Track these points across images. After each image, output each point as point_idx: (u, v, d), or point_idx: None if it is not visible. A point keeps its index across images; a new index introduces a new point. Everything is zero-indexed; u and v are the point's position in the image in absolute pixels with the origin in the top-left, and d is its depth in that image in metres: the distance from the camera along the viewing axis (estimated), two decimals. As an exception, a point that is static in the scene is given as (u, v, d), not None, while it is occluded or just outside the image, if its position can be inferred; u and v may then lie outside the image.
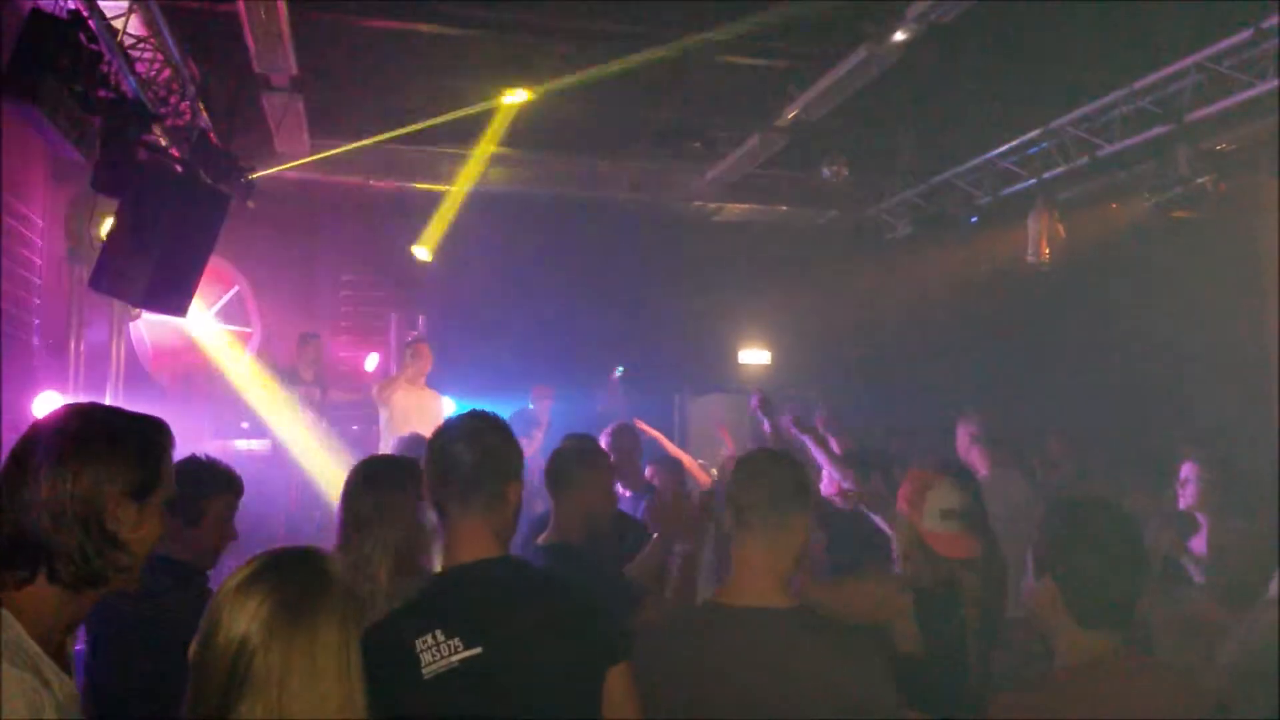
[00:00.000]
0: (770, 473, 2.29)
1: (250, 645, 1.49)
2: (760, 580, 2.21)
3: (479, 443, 2.09)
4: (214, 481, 2.97)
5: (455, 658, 1.88)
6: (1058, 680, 2.00)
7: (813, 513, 2.51)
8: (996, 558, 3.11)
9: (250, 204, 6.87)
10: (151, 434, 1.75)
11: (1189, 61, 6.00)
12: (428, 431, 6.64)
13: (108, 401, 7.12)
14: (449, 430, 2.16)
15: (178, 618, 2.09)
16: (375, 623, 1.90)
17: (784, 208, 9.76)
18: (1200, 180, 6.44)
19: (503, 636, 1.93)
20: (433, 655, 1.87)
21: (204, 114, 6.08)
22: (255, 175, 7.12)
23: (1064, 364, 8.20)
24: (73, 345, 6.95)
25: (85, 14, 4.30)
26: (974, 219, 8.30)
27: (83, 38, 4.20)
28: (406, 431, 6.88)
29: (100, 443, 1.66)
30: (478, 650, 1.89)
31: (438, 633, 1.89)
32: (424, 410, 7.33)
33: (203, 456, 3.00)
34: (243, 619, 1.51)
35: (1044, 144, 7.32)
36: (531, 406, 8.01)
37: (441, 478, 2.09)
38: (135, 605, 2.52)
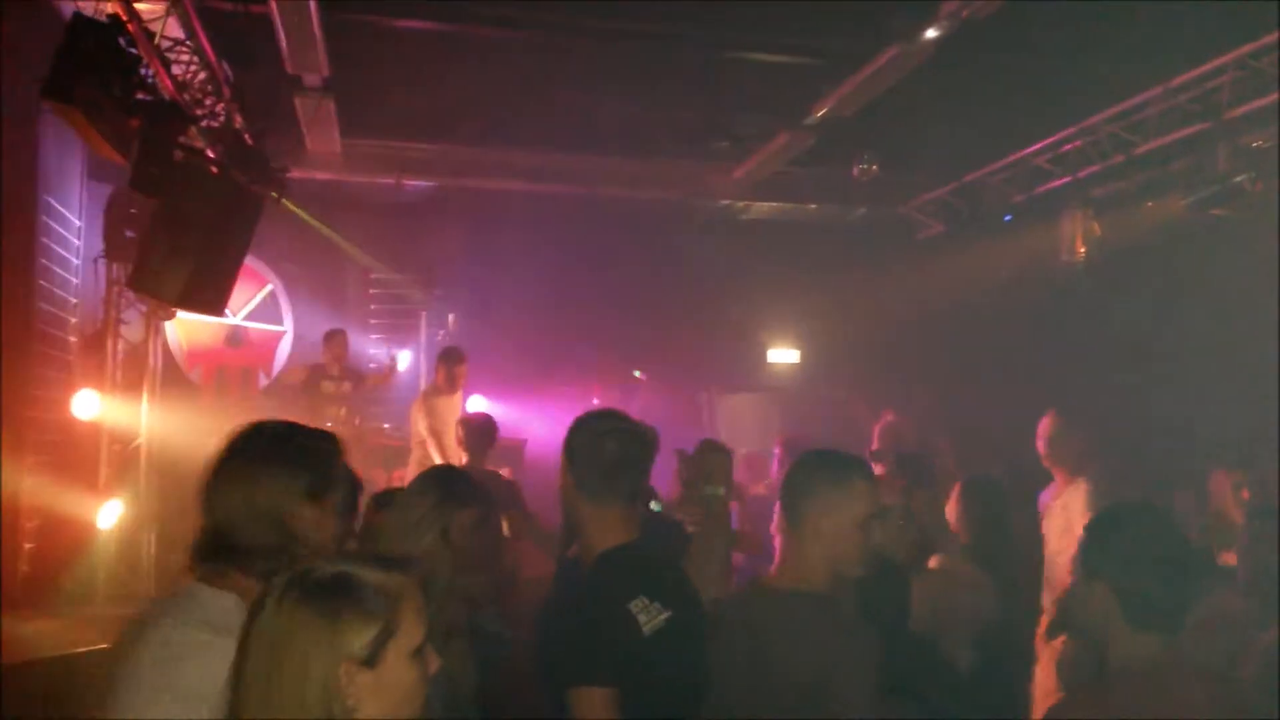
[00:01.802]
0: (818, 471, 2.47)
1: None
2: (806, 566, 2.38)
3: (629, 439, 2.40)
4: None
5: (660, 618, 2.21)
6: (1114, 684, 1.99)
7: None
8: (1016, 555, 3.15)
9: (284, 204, 6.93)
10: (325, 444, 1.99)
11: (1227, 58, 5.92)
12: (451, 421, 6.67)
13: (144, 398, 7.22)
14: (598, 425, 2.42)
15: None
16: (581, 589, 2.29)
17: (813, 206, 9.72)
18: (1239, 179, 6.35)
19: (680, 602, 2.29)
20: (646, 616, 2.19)
21: (238, 115, 6.13)
22: (294, 179, 7.17)
23: (1098, 363, 8.10)
24: (110, 343, 7.04)
25: (124, 18, 4.35)
26: (1008, 217, 8.23)
27: (121, 41, 4.26)
28: (448, 435, 7.01)
29: (283, 452, 1.92)
30: (670, 613, 2.24)
31: (642, 598, 2.21)
32: (455, 409, 7.43)
33: None
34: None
35: (1079, 142, 7.24)
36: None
37: (598, 467, 2.36)
38: None
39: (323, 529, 1.91)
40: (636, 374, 9.20)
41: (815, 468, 2.46)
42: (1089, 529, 2.13)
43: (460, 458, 5.68)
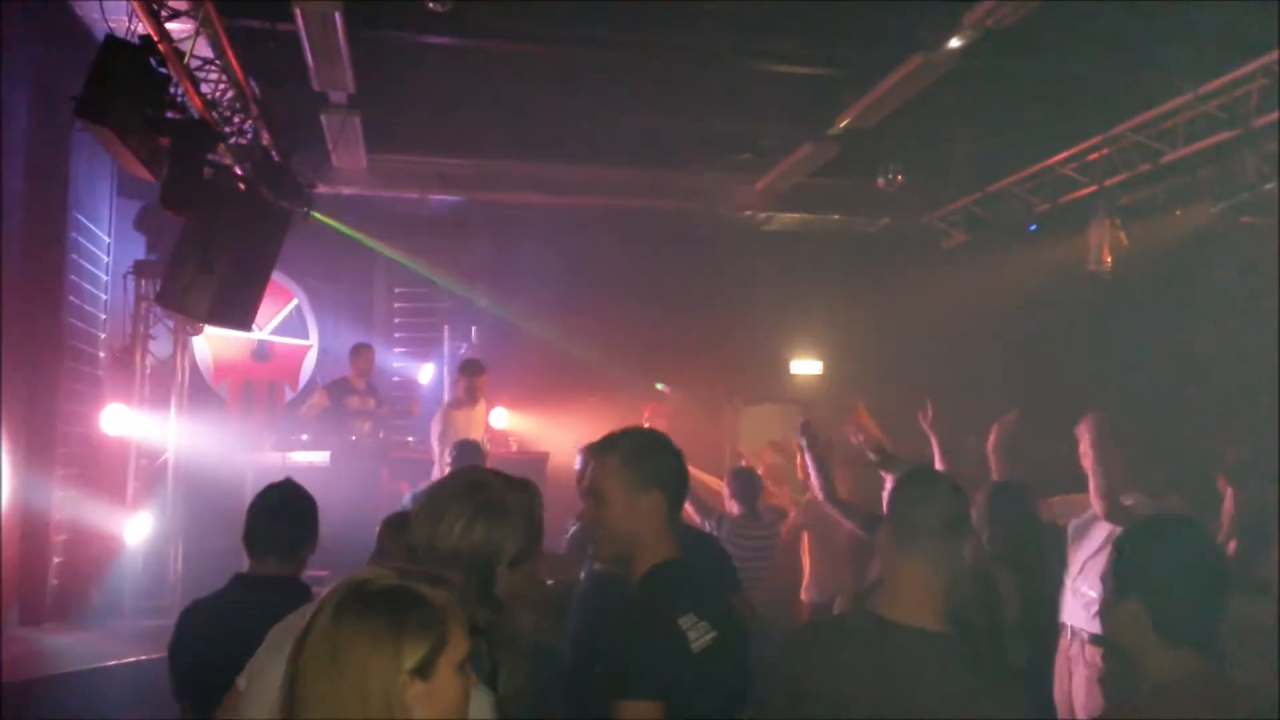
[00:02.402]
0: (942, 496, 2.26)
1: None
2: (921, 600, 2.16)
3: (680, 455, 2.41)
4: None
5: (708, 637, 2.19)
6: (1153, 701, 1.97)
7: None
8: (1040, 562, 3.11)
9: (310, 219, 6.98)
10: (533, 503, 2.10)
11: (1254, 65, 5.86)
12: (474, 433, 6.59)
13: (171, 412, 7.28)
14: (663, 441, 2.43)
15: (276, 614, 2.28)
16: (632, 602, 2.28)
17: (836, 216, 9.70)
18: (1268, 186, 6.28)
19: (725, 622, 2.27)
20: (696, 634, 2.18)
21: (266, 132, 6.19)
22: (319, 194, 7.24)
23: (1125, 375, 8.03)
24: (138, 358, 7.12)
25: (155, 38, 4.41)
26: (1032, 226, 8.18)
27: (152, 61, 4.31)
28: (458, 432, 7.02)
29: (501, 508, 2.01)
30: (716, 633, 2.21)
31: (691, 615, 2.20)
32: (474, 422, 7.47)
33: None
34: None
35: (1105, 150, 7.19)
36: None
37: (669, 484, 2.36)
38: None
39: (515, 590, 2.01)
40: (660, 387, 9.19)
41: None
42: (1119, 544, 2.10)
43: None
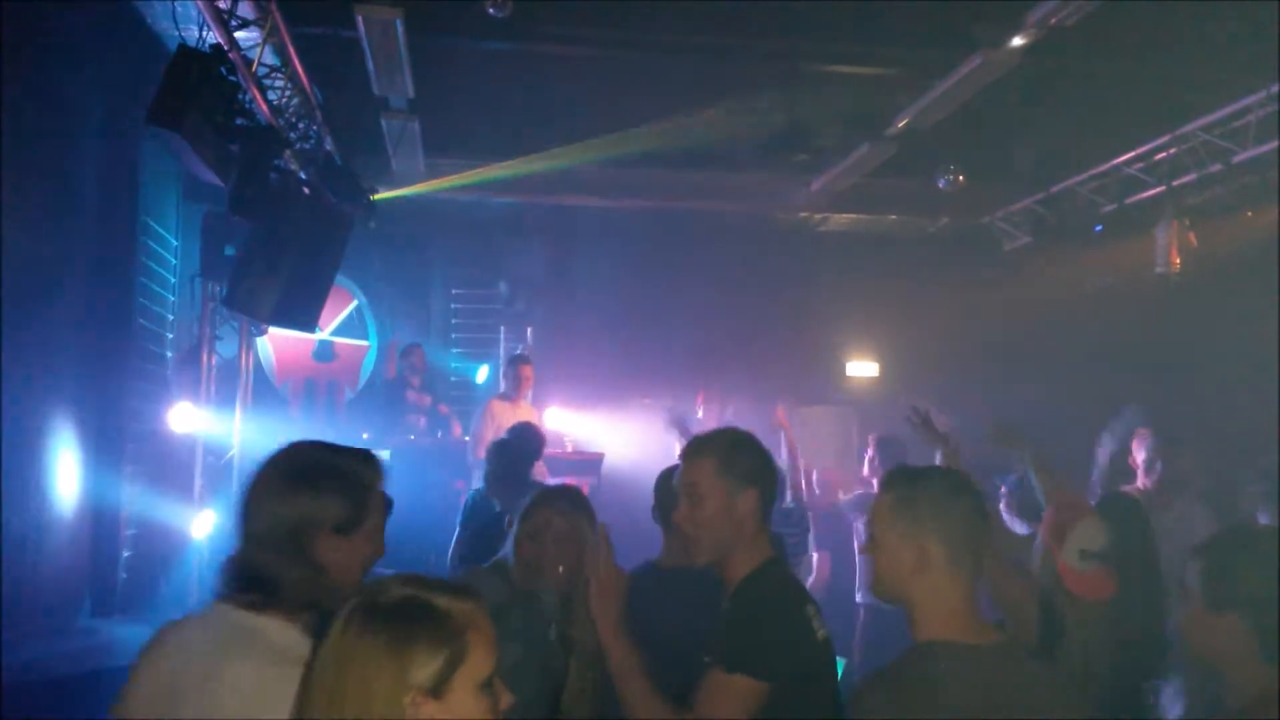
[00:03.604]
0: (968, 504, 2.12)
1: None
2: (964, 614, 2.02)
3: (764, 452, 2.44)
4: None
5: (825, 629, 2.29)
6: (1241, 716, 1.92)
7: None
8: (1145, 587, 2.99)
9: (371, 224, 7.09)
10: (358, 468, 1.87)
11: (1332, 62, 5.68)
12: None
13: (236, 411, 7.44)
14: (759, 443, 2.45)
15: None
16: (766, 588, 2.30)
17: (893, 216, 9.59)
18: (1345, 186, 6.10)
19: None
20: (818, 623, 2.28)
21: (329, 137, 6.30)
22: (378, 196, 7.34)
23: (1192, 379, 7.83)
24: (204, 358, 7.28)
25: (226, 47, 4.51)
26: (1098, 227, 8.01)
27: (223, 70, 4.41)
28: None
29: (308, 479, 1.82)
30: (825, 631, 2.30)
31: (811, 607, 2.30)
32: (517, 416, 7.40)
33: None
34: None
35: (1173, 150, 7.02)
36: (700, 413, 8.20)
37: (773, 484, 2.42)
38: None
39: (352, 562, 1.82)
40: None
41: None
42: (1209, 556, 2.05)
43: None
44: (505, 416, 7.23)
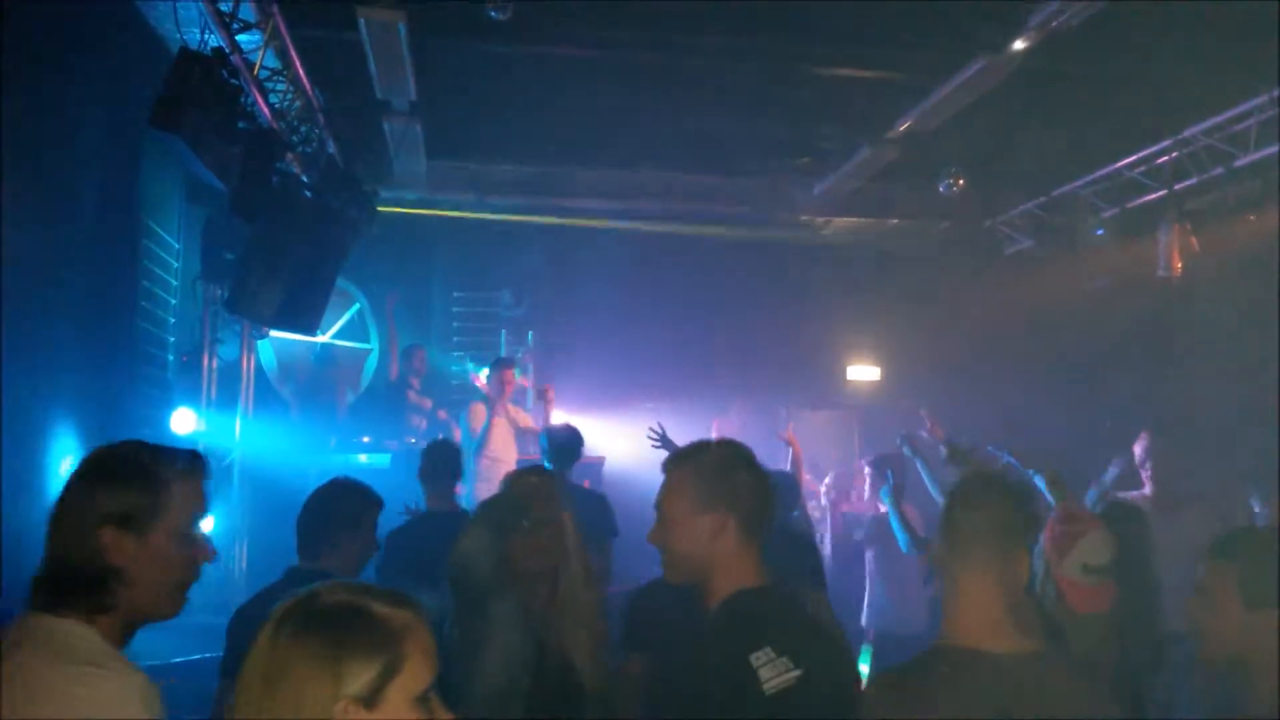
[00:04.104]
0: (996, 501, 2.07)
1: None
2: (986, 619, 1.98)
3: (768, 476, 2.23)
4: (370, 500, 3.18)
5: (789, 676, 1.93)
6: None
7: None
8: (1144, 594, 2.98)
9: (373, 225, 7.09)
10: (150, 464, 1.75)
11: (1334, 66, 5.67)
12: (508, 447, 6.57)
13: (238, 415, 7.43)
14: (749, 459, 2.23)
15: None
16: (704, 632, 2.07)
17: (894, 220, 9.59)
18: (1347, 189, 6.09)
19: (818, 660, 2.00)
20: (771, 671, 1.93)
21: (331, 140, 6.30)
22: (380, 200, 7.34)
23: (1193, 382, 7.82)
24: (206, 361, 7.28)
25: (228, 50, 4.51)
26: (1099, 231, 8.01)
27: (224, 73, 4.41)
28: (494, 449, 7.00)
29: (91, 477, 1.72)
30: (801, 673, 1.94)
31: (767, 650, 1.95)
32: (507, 428, 7.35)
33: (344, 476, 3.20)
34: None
35: (1175, 154, 7.02)
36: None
37: (753, 504, 2.16)
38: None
39: (153, 564, 1.70)
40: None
41: None
42: (1244, 554, 2.08)
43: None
44: (478, 421, 7.16)
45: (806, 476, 6.22)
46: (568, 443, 5.30)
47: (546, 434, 5.48)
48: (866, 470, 6.13)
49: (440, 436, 8.15)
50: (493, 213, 9.04)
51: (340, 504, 3.13)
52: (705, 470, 2.16)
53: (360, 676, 1.25)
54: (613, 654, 2.95)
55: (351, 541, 3.10)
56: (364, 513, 3.16)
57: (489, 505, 2.80)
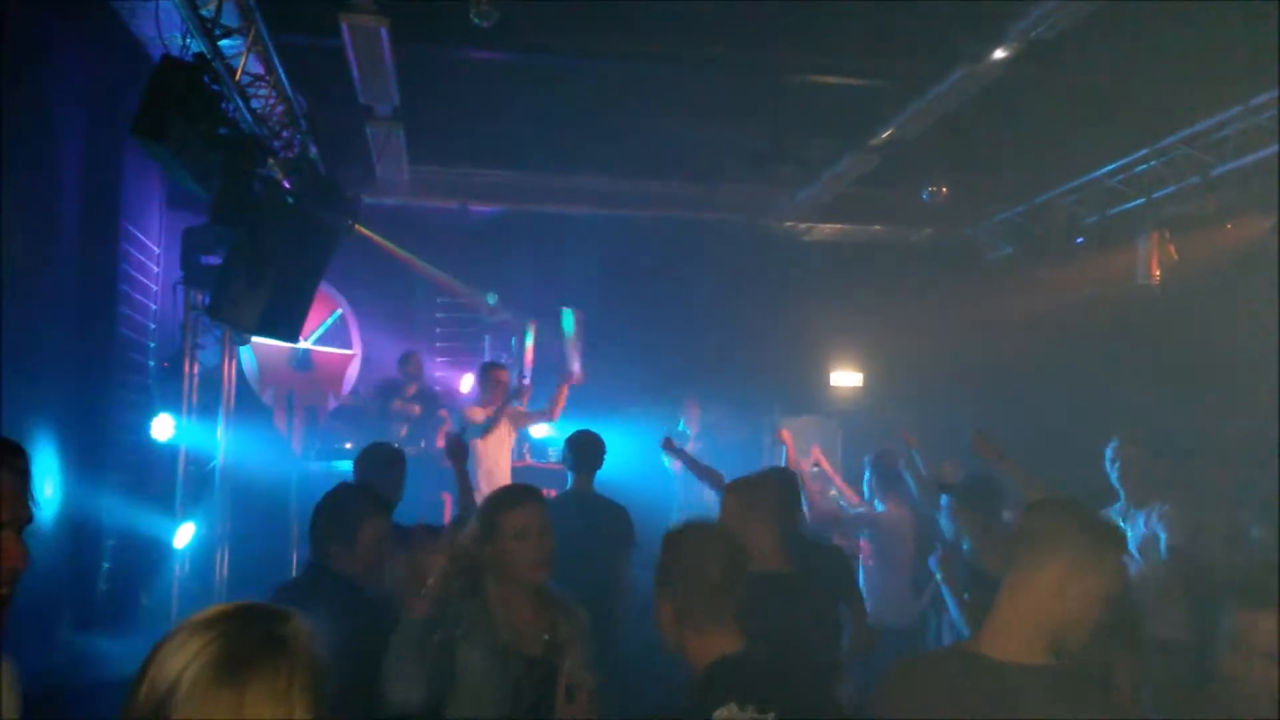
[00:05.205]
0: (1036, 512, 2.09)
1: (176, 691, 1.30)
2: (1018, 630, 1.97)
3: (734, 553, 2.20)
4: (365, 505, 3.15)
5: None
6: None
7: None
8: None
9: (355, 231, 7.06)
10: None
11: (1309, 76, 5.75)
12: (503, 454, 6.54)
13: (220, 422, 7.37)
14: (697, 545, 2.23)
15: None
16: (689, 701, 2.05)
17: (877, 227, 9.64)
18: (1323, 199, 6.17)
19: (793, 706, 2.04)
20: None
21: (313, 146, 6.28)
22: (361, 208, 7.31)
23: (1173, 389, 7.89)
24: (187, 367, 7.22)
25: (209, 56, 4.49)
26: (1079, 239, 8.08)
27: (205, 79, 4.39)
28: (487, 455, 7.00)
29: None
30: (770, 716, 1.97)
31: (733, 706, 1.98)
32: (502, 435, 7.31)
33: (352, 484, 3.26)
34: (179, 661, 1.32)
35: (1153, 163, 7.09)
36: (682, 424, 8.36)
37: (702, 593, 2.16)
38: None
39: None
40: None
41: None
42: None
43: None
44: (479, 420, 7.17)
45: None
46: (589, 448, 5.16)
47: (567, 440, 5.31)
48: (867, 473, 6.17)
49: (423, 443, 8.18)
50: (476, 218, 9.04)
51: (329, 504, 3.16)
52: (670, 562, 2.25)
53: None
54: None
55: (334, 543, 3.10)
56: (364, 519, 3.15)
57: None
